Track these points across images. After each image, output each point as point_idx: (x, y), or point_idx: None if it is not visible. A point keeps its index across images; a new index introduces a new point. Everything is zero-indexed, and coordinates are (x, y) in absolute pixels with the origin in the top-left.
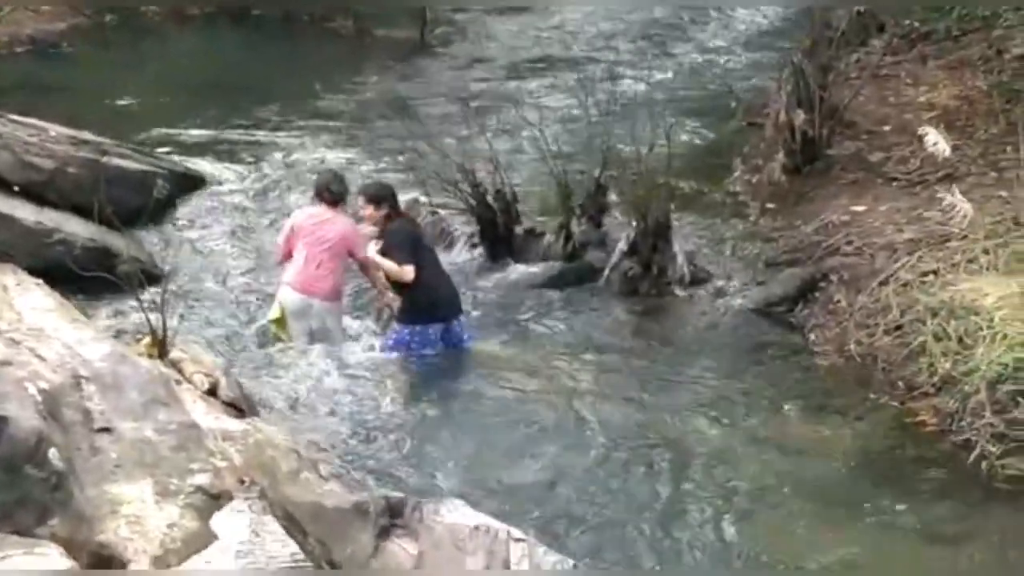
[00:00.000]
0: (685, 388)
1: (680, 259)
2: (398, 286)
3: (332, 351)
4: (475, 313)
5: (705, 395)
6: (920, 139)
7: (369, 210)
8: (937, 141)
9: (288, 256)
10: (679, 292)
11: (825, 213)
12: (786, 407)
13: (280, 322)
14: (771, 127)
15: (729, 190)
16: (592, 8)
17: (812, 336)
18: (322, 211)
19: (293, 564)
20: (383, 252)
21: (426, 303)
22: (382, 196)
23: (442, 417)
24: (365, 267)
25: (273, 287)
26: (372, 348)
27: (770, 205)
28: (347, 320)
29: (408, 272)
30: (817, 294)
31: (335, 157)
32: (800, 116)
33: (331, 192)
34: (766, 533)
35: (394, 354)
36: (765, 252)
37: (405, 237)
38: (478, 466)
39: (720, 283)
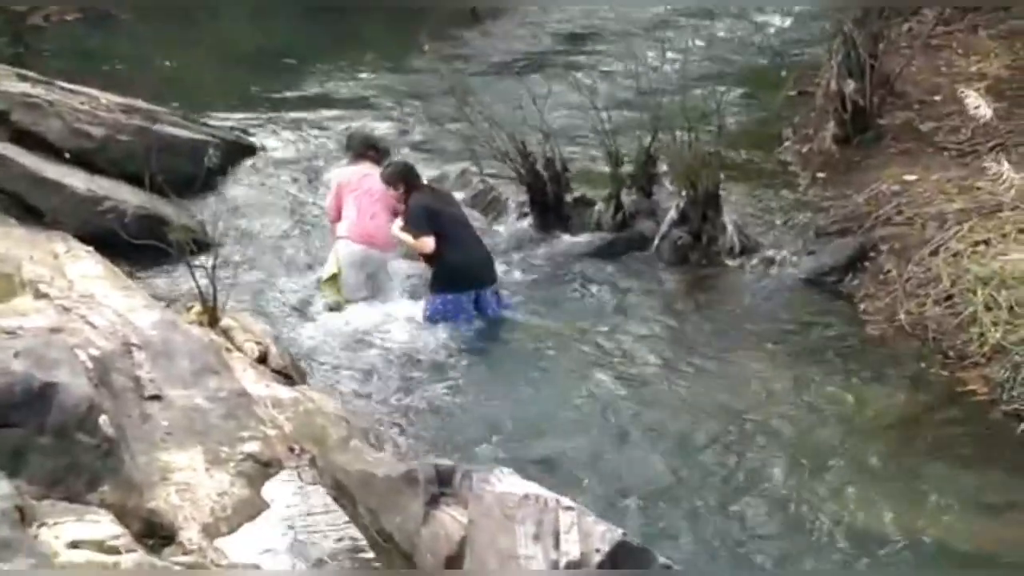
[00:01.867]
0: (735, 357)
1: (730, 229)
2: (427, 257)
3: (381, 318)
4: (525, 281)
5: (755, 364)
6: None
7: (390, 191)
8: (979, 104)
9: (338, 215)
10: (729, 262)
11: (875, 183)
12: (836, 376)
13: (333, 280)
14: (822, 97)
15: (779, 160)
16: None
17: (862, 306)
18: (366, 167)
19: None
20: (404, 227)
21: (452, 272)
22: (396, 177)
23: (491, 386)
24: None
25: (323, 252)
26: (417, 316)
27: (820, 175)
28: (398, 265)
29: (426, 243)
30: (867, 264)
31: (385, 127)
32: (851, 86)
33: (376, 150)
34: (816, 501)
35: (434, 324)
36: (815, 222)
37: (421, 210)
38: (527, 435)
39: (770, 253)
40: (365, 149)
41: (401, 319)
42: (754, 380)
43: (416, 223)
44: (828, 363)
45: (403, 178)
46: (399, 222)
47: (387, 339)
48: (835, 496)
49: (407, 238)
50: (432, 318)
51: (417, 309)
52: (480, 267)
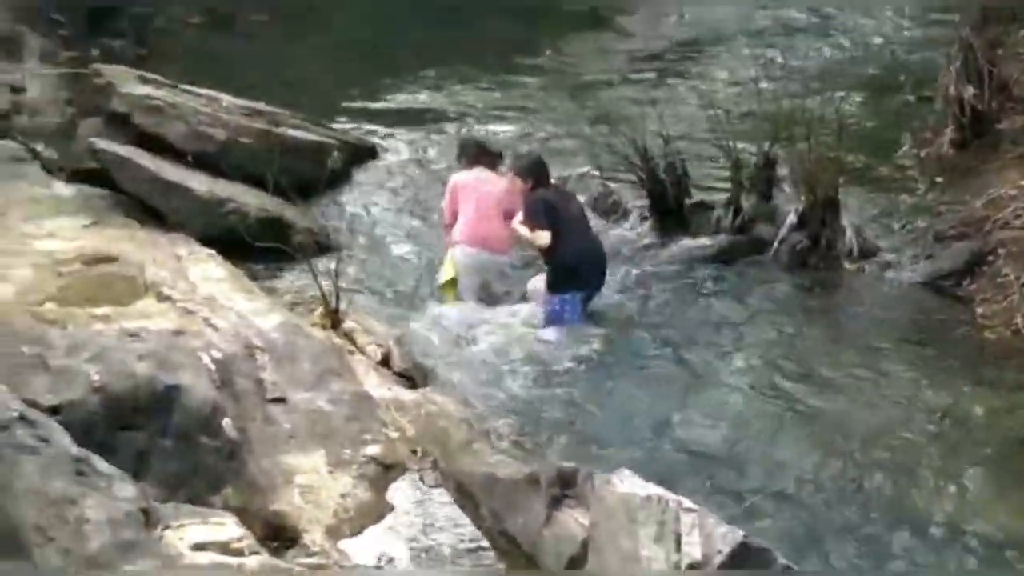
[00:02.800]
0: (853, 361)
1: (849, 232)
2: (544, 252)
3: (499, 320)
4: (646, 285)
5: (874, 368)
6: None
7: (518, 183)
8: None
9: (454, 218)
10: (847, 265)
11: (993, 187)
12: (954, 380)
13: (451, 284)
14: (940, 102)
15: (897, 164)
16: None
17: (980, 310)
18: (480, 171)
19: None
20: (523, 220)
21: (567, 270)
22: (527, 170)
23: (612, 388)
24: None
25: (442, 254)
26: (536, 316)
27: (938, 179)
28: (514, 267)
29: (542, 236)
30: (985, 268)
31: (507, 128)
32: (969, 91)
33: (489, 155)
34: (936, 504)
35: (553, 327)
36: (933, 226)
37: (540, 205)
38: (649, 436)
39: (889, 257)
40: (479, 154)
41: (518, 321)
42: (873, 384)
43: (534, 216)
44: (946, 367)
45: (534, 172)
46: (519, 216)
47: (506, 341)
48: (951, 498)
49: (524, 231)
50: (551, 319)
51: (533, 311)
52: (594, 267)
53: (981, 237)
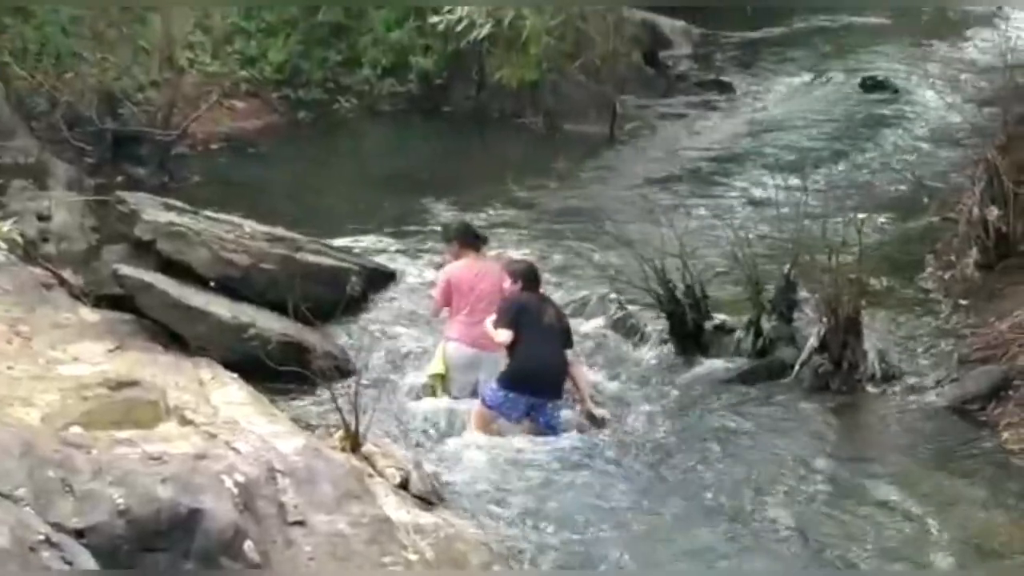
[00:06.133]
0: (876, 486)
1: (871, 355)
2: (508, 354)
3: (508, 436)
4: (663, 407)
5: (896, 493)
6: None
7: (507, 283)
8: None
9: (445, 303)
10: (870, 389)
11: (1019, 310)
12: (981, 507)
13: (441, 377)
14: (964, 223)
15: (921, 286)
16: (788, 107)
17: (1005, 435)
18: (472, 262)
19: None
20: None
21: (517, 372)
22: (518, 275)
23: (625, 507)
24: None
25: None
26: (551, 432)
27: (963, 302)
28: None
29: (500, 335)
30: (1011, 392)
31: (527, 251)
32: (994, 212)
33: (476, 237)
34: None
35: (489, 408)
36: (958, 349)
37: (510, 305)
38: (667, 558)
39: (912, 380)
40: (464, 238)
41: (529, 434)
42: (897, 510)
43: (500, 314)
44: (970, 493)
45: (522, 276)
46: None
47: (521, 459)
48: None
49: (490, 327)
50: (487, 402)
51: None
52: (542, 379)
53: (1006, 361)
